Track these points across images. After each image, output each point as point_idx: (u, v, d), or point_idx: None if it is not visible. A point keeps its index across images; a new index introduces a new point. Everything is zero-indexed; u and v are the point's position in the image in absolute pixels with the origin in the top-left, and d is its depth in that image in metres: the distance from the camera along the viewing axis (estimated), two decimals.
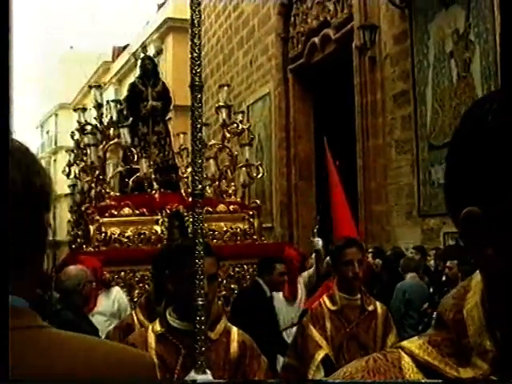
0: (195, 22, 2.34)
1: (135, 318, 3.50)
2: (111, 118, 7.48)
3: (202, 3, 2.47)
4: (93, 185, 6.95)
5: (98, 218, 6.26)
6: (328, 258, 5.66)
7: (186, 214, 6.04)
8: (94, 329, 4.07)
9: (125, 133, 6.84)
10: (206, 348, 2.23)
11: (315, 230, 6.44)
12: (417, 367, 0.76)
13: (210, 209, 6.29)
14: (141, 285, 5.86)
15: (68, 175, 8.08)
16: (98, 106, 7.61)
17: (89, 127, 7.48)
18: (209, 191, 6.95)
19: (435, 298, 6.03)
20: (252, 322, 4.57)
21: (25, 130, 47.63)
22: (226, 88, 7.77)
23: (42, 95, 48.35)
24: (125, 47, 29.89)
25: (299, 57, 13.31)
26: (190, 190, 3.64)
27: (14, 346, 0.85)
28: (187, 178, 6.72)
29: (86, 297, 4.30)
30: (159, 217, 6.27)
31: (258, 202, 6.99)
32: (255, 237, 6.55)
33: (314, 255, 6.56)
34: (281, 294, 5.52)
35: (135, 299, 5.61)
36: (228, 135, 7.13)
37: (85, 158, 7.32)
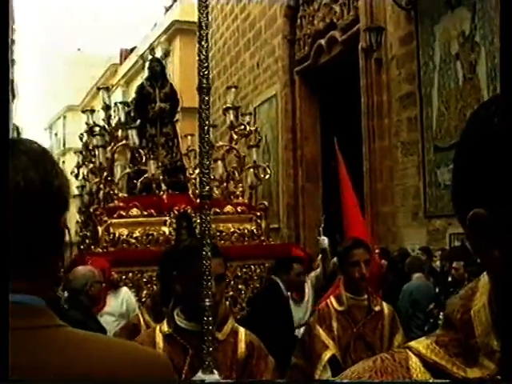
0: (203, 24, 2.34)
1: (141, 319, 3.51)
2: (119, 119, 7.48)
3: (209, 5, 2.47)
4: (101, 186, 6.94)
5: (106, 218, 6.25)
6: (335, 258, 5.67)
7: (193, 215, 6.06)
8: (102, 329, 4.08)
9: (133, 134, 6.83)
10: (214, 348, 2.23)
11: (321, 229, 6.45)
12: (424, 367, 0.76)
13: (218, 210, 6.28)
14: (149, 285, 5.84)
15: (76, 176, 8.10)
16: (107, 108, 7.65)
17: (97, 129, 7.51)
18: (216, 192, 6.92)
19: (441, 299, 6.05)
20: (269, 322, 4.60)
21: (33, 132, 47.83)
22: (233, 90, 7.78)
23: (50, 97, 48.49)
24: (132, 49, 29.95)
25: (306, 59, 13.33)
26: (197, 192, 3.66)
27: (32, 344, 0.88)
28: (195, 179, 6.73)
29: (94, 297, 4.33)
30: (167, 218, 6.26)
31: (266, 203, 7.00)
32: (262, 238, 6.55)
33: (320, 254, 6.57)
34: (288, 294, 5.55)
35: (143, 300, 5.59)
36: (235, 137, 7.12)
37: (93, 160, 7.33)
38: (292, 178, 13.77)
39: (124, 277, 5.85)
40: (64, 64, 45.79)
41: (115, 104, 7.87)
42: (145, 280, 5.89)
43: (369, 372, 0.78)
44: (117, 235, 6.20)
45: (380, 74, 10.43)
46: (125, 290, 5.55)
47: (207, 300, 2.20)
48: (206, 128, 2.31)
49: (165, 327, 2.39)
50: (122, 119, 7.45)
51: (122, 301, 5.37)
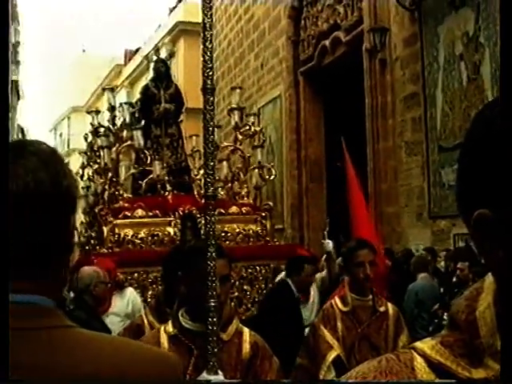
0: (207, 25, 2.34)
1: (145, 320, 3.50)
2: (124, 120, 7.50)
3: (213, 7, 2.46)
4: (106, 187, 6.96)
5: (111, 219, 6.28)
6: (340, 258, 5.66)
7: (198, 215, 6.06)
8: (106, 329, 4.08)
9: (138, 135, 6.85)
10: (218, 349, 2.24)
11: (325, 232, 6.43)
12: (429, 368, 0.76)
13: (223, 211, 6.31)
14: (154, 286, 5.85)
15: (81, 177, 8.12)
16: (112, 109, 7.67)
17: (102, 129, 7.52)
18: (221, 193, 6.95)
19: (445, 300, 6.04)
20: (279, 322, 4.59)
21: (38, 133, 47.95)
22: (238, 90, 7.79)
23: (54, 98, 48.61)
24: (137, 50, 30.02)
25: (310, 59, 13.33)
26: (202, 192, 3.68)
27: (41, 345, 0.88)
28: (200, 180, 6.74)
29: (99, 297, 4.34)
30: (172, 218, 6.29)
31: (271, 203, 6.99)
32: (267, 238, 6.57)
33: (324, 257, 6.56)
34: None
35: (148, 300, 5.60)
36: (240, 137, 7.13)
37: (98, 160, 7.35)
38: (296, 179, 13.77)
39: (129, 277, 5.86)
40: (68, 65, 45.94)
41: (120, 105, 7.88)
42: (150, 280, 5.90)
43: (374, 372, 0.78)
44: (122, 236, 6.23)
45: (384, 75, 10.43)
46: (130, 290, 5.55)
47: (212, 301, 2.20)
48: (210, 129, 2.32)
49: (169, 328, 2.39)
50: (127, 120, 7.46)
51: (127, 301, 5.35)
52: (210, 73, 2.35)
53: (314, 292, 5.72)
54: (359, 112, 10.94)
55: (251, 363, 2.39)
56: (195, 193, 6.94)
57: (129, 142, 7.04)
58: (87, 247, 7.38)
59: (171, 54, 8.31)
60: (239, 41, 17.37)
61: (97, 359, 0.90)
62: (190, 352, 2.31)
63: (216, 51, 16.94)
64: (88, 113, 8.22)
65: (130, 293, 5.49)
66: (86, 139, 8.13)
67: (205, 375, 2.19)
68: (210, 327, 2.21)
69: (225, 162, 7.04)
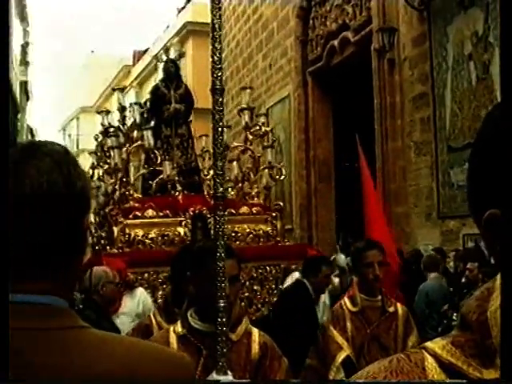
0: (216, 26, 2.33)
1: (153, 320, 3.49)
2: (134, 120, 7.51)
3: (222, 7, 2.45)
4: (116, 187, 6.94)
5: (121, 219, 6.27)
6: (348, 258, 5.64)
7: (209, 215, 6.06)
8: (116, 329, 4.10)
9: (148, 135, 6.84)
10: (228, 349, 2.24)
11: (338, 246, 6.32)
12: (440, 368, 0.76)
13: (233, 211, 6.31)
14: (164, 286, 5.82)
15: (91, 177, 8.14)
16: (122, 109, 7.69)
17: (112, 130, 7.53)
18: (232, 193, 6.94)
19: (455, 300, 6.03)
20: (295, 323, 4.57)
21: (47, 133, 48.13)
22: (248, 90, 7.76)
23: (63, 99, 48.78)
24: (145, 51, 30.10)
25: (318, 59, 13.33)
26: (212, 193, 3.67)
27: (55, 345, 0.89)
28: (210, 180, 6.73)
29: (107, 297, 4.33)
30: (182, 218, 6.28)
31: (281, 204, 6.97)
32: (278, 239, 6.54)
33: (337, 272, 6.45)
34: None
35: (159, 300, 5.62)
36: (251, 137, 7.11)
37: (108, 161, 7.36)
38: (305, 179, 13.77)
39: (139, 277, 5.85)
40: (77, 66, 46.10)
41: (130, 105, 7.88)
42: (160, 281, 5.87)
43: (384, 372, 0.78)
44: (132, 236, 6.21)
45: (393, 75, 10.42)
46: (141, 290, 5.55)
47: (221, 301, 2.20)
48: (219, 129, 2.32)
49: (179, 328, 2.40)
50: (138, 120, 7.46)
51: (138, 301, 5.36)
52: (219, 73, 2.35)
53: (325, 293, 5.71)
54: (368, 112, 10.94)
55: (260, 363, 2.39)
56: (205, 193, 6.93)
57: (139, 142, 7.02)
58: (97, 247, 7.39)
59: (181, 54, 8.28)
60: (247, 41, 17.39)
61: (109, 359, 0.91)
62: (199, 352, 2.31)
63: (224, 52, 16.95)
64: (98, 113, 8.23)
65: (141, 293, 5.50)
66: (96, 139, 8.14)
67: (214, 375, 2.19)
68: (219, 327, 2.21)
69: (235, 162, 7.01)
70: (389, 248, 4.74)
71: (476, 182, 0.78)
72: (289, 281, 5.81)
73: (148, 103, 8.14)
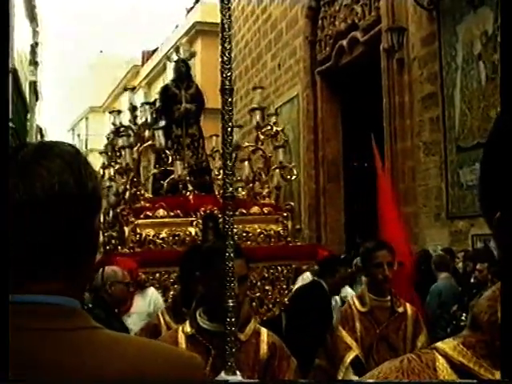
0: (225, 26, 2.35)
1: (161, 320, 3.49)
2: (146, 120, 7.50)
3: (231, 7, 2.45)
4: (127, 186, 6.91)
5: (133, 219, 6.25)
6: (358, 258, 5.64)
7: (220, 215, 6.06)
8: (125, 328, 4.10)
9: (159, 135, 6.83)
10: (236, 349, 2.25)
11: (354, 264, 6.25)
12: (451, 368, 0.76)
13: (244, 211, 6.30)
14: (175, 286, 5.80)
15: (102, 177, 8.14)
16: (133, 109, 7.70)
17: (123, 129, 7.53)
18: (243, 193, 6.92)
19: (464, 300, 6.03)
20: (311, 323, 4.57)
21: (56, 133, 48.28)
22: (259, 90, 7.74)
23: (72, 99, 48.94)
24: (154, 51, 30.17)
25: (327, 59, 13.33)
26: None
27: (67, 345, 0.90)
28: (220, 180, 6.72)
29: (116, 297, 4.32)
30: (194, 218, 6.26)
31: (292, 204, 6.95)
32: (289, 239, 6.51)
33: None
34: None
35: (170, 300, 5.64)
36: (262, 137, 7.07)
37: (119, 161, 7.37)
38: (313, 179, 13.77)
39: (151, 277, 5.83)
40: (86, 66, 46.27)
41: (142, 105, 7.87)
42: (171, 280, 5.84)
43: (395, 372, 0.78)
44: (143, 236, 6.19)
45: (402, 75, 10.42)
46: (152, 290, 5.54)
47: (230, 301, 2.22)
48: (229, 129, 2.33)
49: (187, 328, 2.41)
50: (149, 120, 7.46)
51: (149, 301, 5.34)
52: (229, 73, 2.35)
53: (339, 294, 5.70)
54: (377, 112, 10.94)
55: (269, 363, 2.41)
56: (216, 193, 6.91)
57: (150, 142, 7.02)
58: (108, 247, 7.40)
59: (192, 54, 8.26)
60: (256, 41, 17.41)
61: (121, 360, 0.91)
62: (208, 352, 2.32)
63: (233, 52, 16.91)
64: (110, 113, 8.26)
65: (152, 293, 5.48)
66: (108, 139, 8.13)
67: (223, 375, 2.20)
68: (228, 327, 2.22)
69: (246, 162, 6.99)
70: (403, 248, 4.73)
71: (487, 183, 0.78)
72: (300, 281, 5.82)
73: (157, 103, 8.13)
